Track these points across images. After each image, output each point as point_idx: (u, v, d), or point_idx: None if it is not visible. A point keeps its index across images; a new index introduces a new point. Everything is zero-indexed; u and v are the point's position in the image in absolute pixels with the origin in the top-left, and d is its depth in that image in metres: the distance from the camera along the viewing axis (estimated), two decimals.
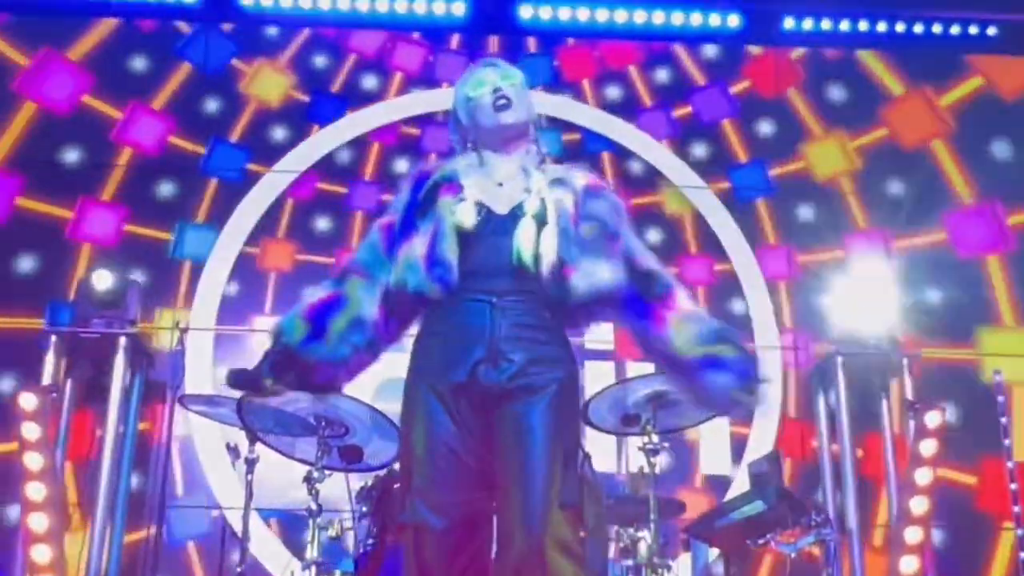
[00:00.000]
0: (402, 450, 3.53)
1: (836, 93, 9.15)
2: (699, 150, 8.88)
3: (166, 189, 8.23)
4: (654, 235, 8.37)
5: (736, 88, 9.13)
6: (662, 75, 9.10)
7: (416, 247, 3.50)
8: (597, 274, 3.43)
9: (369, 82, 8.82)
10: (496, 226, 3.53)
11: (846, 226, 8.72)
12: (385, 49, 8.91)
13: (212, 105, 8.54)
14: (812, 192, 8.84)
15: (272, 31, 8.75)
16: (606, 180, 3.89)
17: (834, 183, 8.87)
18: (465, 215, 3.52)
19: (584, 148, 8.65)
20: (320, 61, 8.81)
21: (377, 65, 8.86)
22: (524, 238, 3.46)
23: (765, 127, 9.03)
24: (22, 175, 8.08)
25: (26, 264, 7.87)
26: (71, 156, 8.19)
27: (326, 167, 8.46)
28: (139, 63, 8.52)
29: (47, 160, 8.13)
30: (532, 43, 9.10)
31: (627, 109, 8.98)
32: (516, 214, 3.53)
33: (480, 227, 3.52)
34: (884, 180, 8.89)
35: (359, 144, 8.56)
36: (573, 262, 3.43)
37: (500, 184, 3.63)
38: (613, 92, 9.04)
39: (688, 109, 9.02)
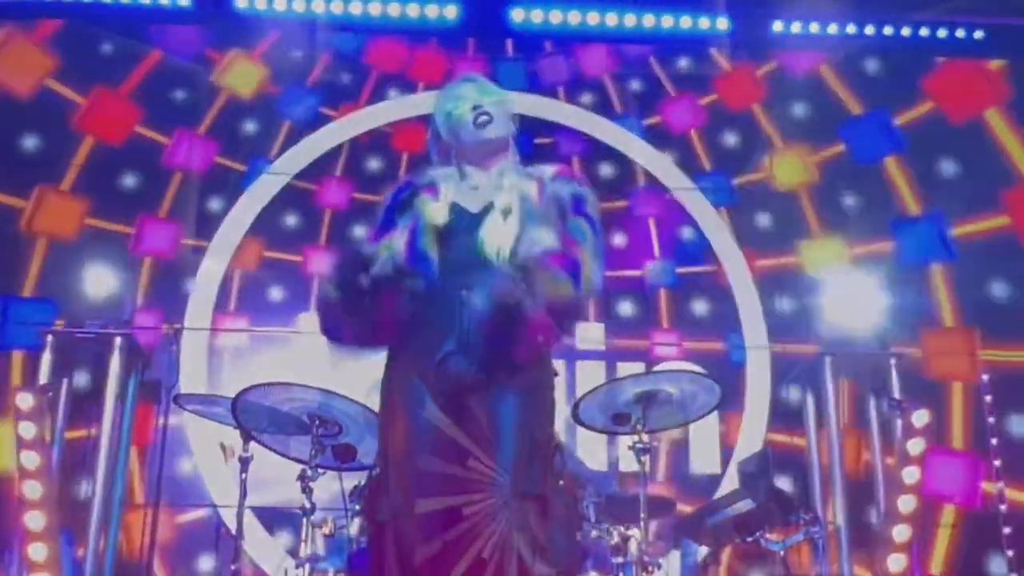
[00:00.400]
0: (380, 444, 3.62)
1: (872, 67, 9.08)
2: (730, 138, 8.93)
3: (216, 204, 8.66)
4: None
5: (764, 70, 9.14)
6: (684, 64, 9.22)
7: (396, 241, 3.61)
8: (538, 241, 3.49)
9: (392, 95, 9.07)
10: (468, 224, 3.63)
11: (894, 213, 8.59)
12: (405, 62, 9.11)
13: (250, 126, 8.95)
14: (855, 178, 8.73)
15: (297, 55, 9.08)
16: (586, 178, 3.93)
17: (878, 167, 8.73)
18: (438, 213, 3.63)
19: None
20: (345, 78, 9.16)
21: (398, 78, 9.08)
22: (488, 231, 3.56)
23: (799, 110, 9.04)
24: (88, 199, 8.46)
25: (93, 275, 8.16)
26: (129, 180, 8.65)
27: (360, 178, 8.72)
28: (180, 94, 8.94)
29: (109, 185, 8.58)
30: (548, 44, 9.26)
31: (652, 101, 9.13)
32: (487, 210, 3.63)
33: (453, 225, 3.63)
34: (934, 160, 8.67)
35: (389, 154, 8.83)
36: (543, 245, 3.50)
37: (476, 188, 3.73)
38: (635, 85, 9.20)
39: (713, 96, 9.10)
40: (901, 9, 8.84)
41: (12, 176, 8.35)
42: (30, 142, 8.56)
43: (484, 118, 3.71)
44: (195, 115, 8.83)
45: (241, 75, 8.94)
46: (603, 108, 9.08)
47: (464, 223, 3.63)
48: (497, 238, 3.53)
